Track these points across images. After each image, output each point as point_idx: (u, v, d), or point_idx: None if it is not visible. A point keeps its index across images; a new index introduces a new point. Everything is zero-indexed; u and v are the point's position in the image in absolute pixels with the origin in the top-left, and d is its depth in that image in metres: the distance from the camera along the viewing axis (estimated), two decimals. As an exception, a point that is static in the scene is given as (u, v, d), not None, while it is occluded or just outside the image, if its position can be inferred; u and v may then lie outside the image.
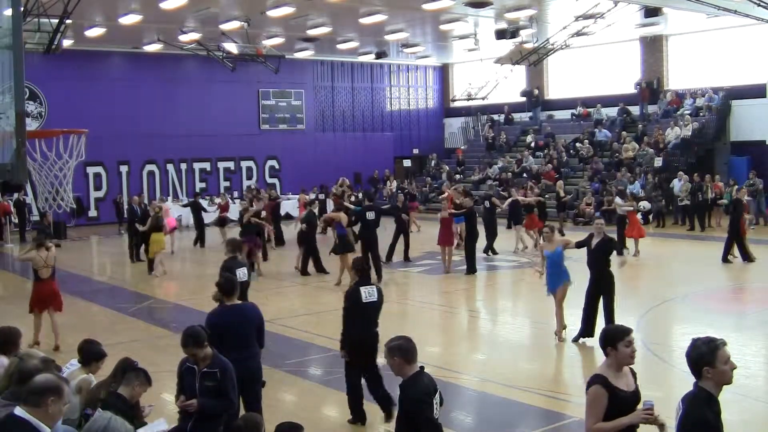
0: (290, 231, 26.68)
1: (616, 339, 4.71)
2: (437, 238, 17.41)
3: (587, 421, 4.66)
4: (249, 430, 4.74)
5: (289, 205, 29.31)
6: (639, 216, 19.99)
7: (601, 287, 10.73)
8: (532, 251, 18.98)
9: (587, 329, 10.84)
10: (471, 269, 16.67)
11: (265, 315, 7.45)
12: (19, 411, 3.98)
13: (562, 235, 17.62)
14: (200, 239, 22.66)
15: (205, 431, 5.86)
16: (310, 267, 17.13)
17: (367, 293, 7.71)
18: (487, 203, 19.67)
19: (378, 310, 7.85)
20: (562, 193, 24.15)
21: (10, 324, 6.36)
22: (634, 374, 4.83)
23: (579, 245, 10.98)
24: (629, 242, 18.70)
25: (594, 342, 10.67)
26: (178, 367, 6.02)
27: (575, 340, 10.94)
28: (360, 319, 7.71)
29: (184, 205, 26.58)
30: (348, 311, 7.77)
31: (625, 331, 4.76)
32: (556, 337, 11.02)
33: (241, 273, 9.61)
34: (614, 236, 13.01)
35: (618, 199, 19.93)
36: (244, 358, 6.72)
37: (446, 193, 19.58)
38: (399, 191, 28.93)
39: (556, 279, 10.96)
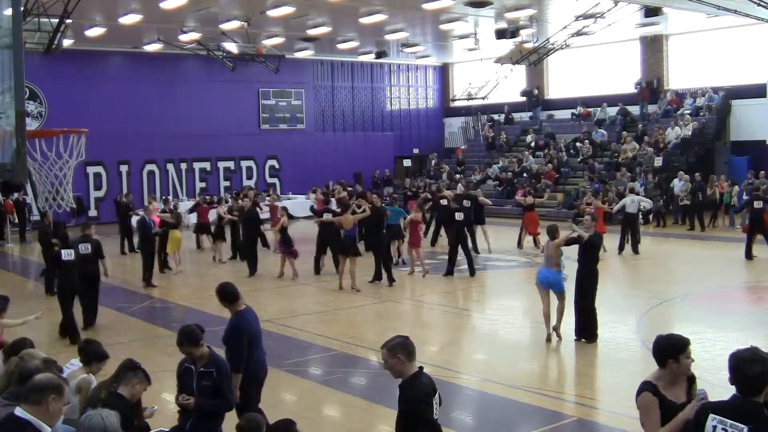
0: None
1: (678, 351, 4.39)
2: None
3: (646, 430, 4.42)
4: (251, 430, 4.74)
5: (289, 205, 29.21)
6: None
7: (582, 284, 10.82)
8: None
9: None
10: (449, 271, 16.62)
11: (266, 315, 7.52)
12: (19, 411, 3.97)
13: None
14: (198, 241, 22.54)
15: (204, 431, 5.89)
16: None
17: (84, 248, 11.72)
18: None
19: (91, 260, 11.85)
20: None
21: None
22: (690, 382, 4.51)
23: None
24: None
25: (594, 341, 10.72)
26: (177, 367, 6.08)
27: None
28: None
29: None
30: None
31: (687, 342, 4.44)
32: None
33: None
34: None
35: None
36: (265, 356, 7.16)
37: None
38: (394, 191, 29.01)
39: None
